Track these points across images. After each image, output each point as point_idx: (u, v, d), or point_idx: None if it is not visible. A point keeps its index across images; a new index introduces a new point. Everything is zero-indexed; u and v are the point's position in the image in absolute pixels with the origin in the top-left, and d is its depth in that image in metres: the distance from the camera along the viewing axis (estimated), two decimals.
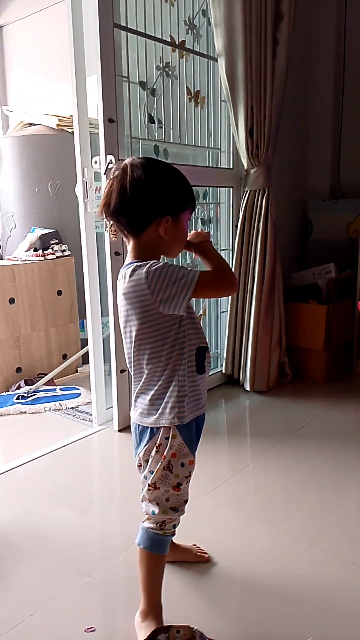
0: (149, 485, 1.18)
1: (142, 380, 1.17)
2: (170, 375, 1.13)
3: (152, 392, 1.15)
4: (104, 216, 1.14)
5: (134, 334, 1.13)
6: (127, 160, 1.13)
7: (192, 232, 1.24)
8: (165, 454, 1.15)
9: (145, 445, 1.18)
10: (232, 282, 1.15)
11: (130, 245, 1.15)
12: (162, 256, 1.18)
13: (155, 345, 1.13)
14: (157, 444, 1.15)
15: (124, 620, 1.26)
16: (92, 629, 1.23)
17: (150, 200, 1.09)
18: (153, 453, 1.16)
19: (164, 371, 1.14)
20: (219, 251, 1.24)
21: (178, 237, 1.16)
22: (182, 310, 1.07)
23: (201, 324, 2.81)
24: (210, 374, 2.81)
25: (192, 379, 1.16)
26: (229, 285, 1.15)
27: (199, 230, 1.28)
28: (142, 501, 1.21)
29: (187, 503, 1.22)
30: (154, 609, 1.21)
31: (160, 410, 1.14)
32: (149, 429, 1.17)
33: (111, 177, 1.12)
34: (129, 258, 1.15)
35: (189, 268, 1.09)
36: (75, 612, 1.29)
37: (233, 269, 2.67)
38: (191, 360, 1.15)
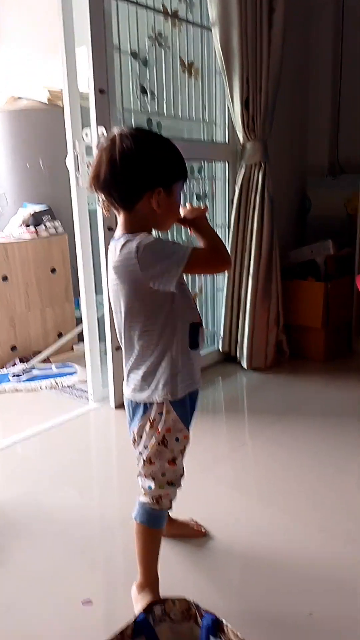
0: (144, 460, 1.16)
1: (134, 355, 1.14)
2: (163, 351, 1.11)
3: (144, 368, 1.13)
4: (94, 189, 1.10)
5: (124, 309, 1.11)
6: (116, 130, 1.08)
7: (188, 206, 1.20)
8: (159, 429, 1.14)
9: (139, 421, 1.16)
10: (225, 260, 1.13)
11: (120, 218, 1.12)
12: (153, 230, 1.15)
13: (146, 321, 1.10)
14: (151, 420, 1.14)
15: (121, 593, 1.26)
16: (89, 602, 1.23)
17: (141, 171, 1.06)
18: (147, 428, 1.15)
19: (156, 347, 1.11)
20: (214, 227, 1.20)
21: (171, 209, 1.12)
22: (173, 287, 1.04)
23: (197, 302, 2.79)
24: (207, 351, 2.79)
25: (186, 355, 1.14)
26: (221, 263, 1.13)
27: (195, 205, 1.24)
28: (138, 476, 1.20)
29: (183, 477, 1.21)
30: (150, 582, 1.21)
31: (152, 386, 1.13)
32: (142, 405, 1.15)
33: (100, 148, 1.08)
34: (119, 231, 1.12)
35: (180, 244, 1.06)
36: (74, 586, 1.29)
37: (229, 246, 2.65)
38: (184, 336, 1.13)
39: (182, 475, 1.20)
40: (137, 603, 1.19)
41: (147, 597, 1.17)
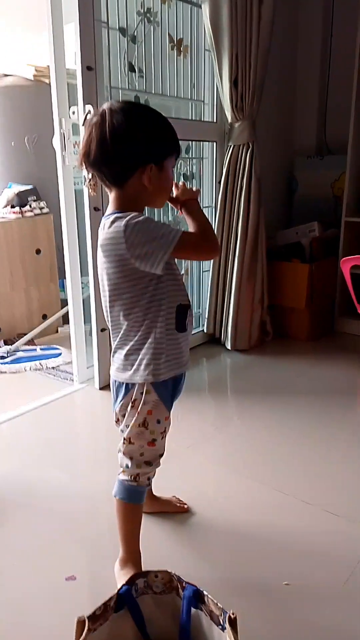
0: (124, 439, 1.18)
1: (120, 334, 1.14)
2: (147, 331, 1.11)
3: (127, 348, 1.13)
4: (84, 167, 1.08)
5: (109, 287, 1.11)
6: (106, 105, 1.06)
7: (181, 185, 1.18)
8: (139, 409, 1.14)
9: (122, 400, 1.17)
10: (214, 247, 1.12)
11: (112, 195, 1.10)
12: (146, 207, 1.14)
13: (131, 300, 1.10)
14: (132, 399, 1.15)
15: (105, 569, 1.28)
16: (73, 578, 1.25)
17: (132, 148, 1.04)
18: (129, 408, 1.16)
19: (140, 327, 1.11)
20: (202, 208, 1.19)
21: (163, 185, 1.11)
22: (158, 270, 1.03)
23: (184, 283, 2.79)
24: (192, 333, 2.80)
25: (172, 337, 1.13)
26: (210, 250, 1.13)
27: (188, 186, 1.21)
28: (118, 452, 1.21)
29: (162, 457, 1.22)
30: (132, 556, 1.23)
31: (135, 366, 1.13)
32: (124, 384, 1.16)
33: (90, 124, 1.06)
34: (110, 208, 1.11)
35: (170, 226, 1.04)
36: (58, 563, 1.31)
37: (215, 226, 2.64)
38: (170, 318, 1.12)
39: (161, 455, 1.21)
40: (120, 578, 1.21)
41: (129, 571, 1.19)
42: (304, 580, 1.25)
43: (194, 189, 1.20)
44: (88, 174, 1.11)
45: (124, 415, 1.17)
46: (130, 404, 1.15)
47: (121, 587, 0.96)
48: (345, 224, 2.89)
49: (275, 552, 1.35)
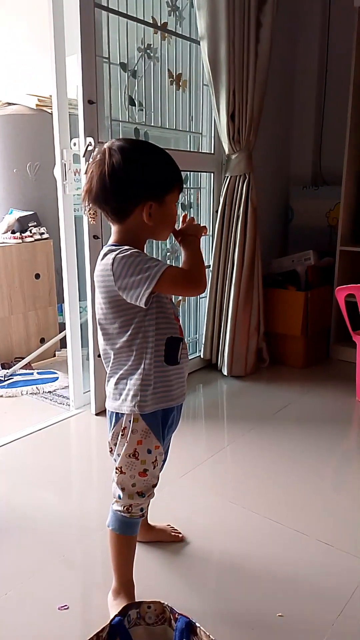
0: (115, 468, 1.18)
1: (110, 364, 1.16)
2: (136, 362, 1.12)
3: (116, 376, 1.15)
4: (87, 203, 1.11)
5: (100, 317, 1.13)
6: (107, 144, 1.09)
7: (189, 220, 1.19)
8: (128, 439, 1.14)
9: (113, 428, 1.18)
10: (198, 284, 1.10)
11: (114, 228, 1.13)
12: (150, 239, 1.16)
13: (120, 331, 1.11)
14: (122, 427, 1.15)
15: (98, 598, 1.28)
16: (66, 607, 1.25)
17: (130, 187, 1.06)
18: (119, 437, 1.16)
19: (129, 357, 1.12)
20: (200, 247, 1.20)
21: (165, 220, 1.13)
22: (142, 303, 1.04)
23: (179, 310, 2.83)
24: (189, 359, 2.82)
25: (161, 369, 1.13)
26: (194, 286, 1.11)
27: (196, 222, 1.20)
28: (112, 482, 1.22)
29: (156, 487, 1.22)
30: (125, 587, 1.23)
31: (123, 396, 1.14)
32: (114, 413, 1.17)
33: (92, 162, 1.09)
34: (110, 239, 1.14)
35: (157, 261, 1.06)
36: (50, 591, 1.31)
37: (212, 254, 2.69)
38: (159, 350, 1.12)
39: (154, 485, 1.21)
40: (113, 608, 1.20)
41: (122, 602, 1.19)
42: (297, 611, 1.25)
43: (201, 224, 1.20)
44: (83, 206, 1.14)
45: (115, 444, 1.18)
46: (120, 433, 1.16)
47: (113, 618, 0.96)
48: (340, 252, 2.94)
49: (269, 583, 1.35)
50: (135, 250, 1.08)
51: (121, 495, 1.19)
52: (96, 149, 1.12)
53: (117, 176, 1.05)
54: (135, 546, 1.26)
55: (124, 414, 1.15)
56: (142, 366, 1.11)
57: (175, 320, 1.17)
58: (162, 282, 1.03)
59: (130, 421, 1.14)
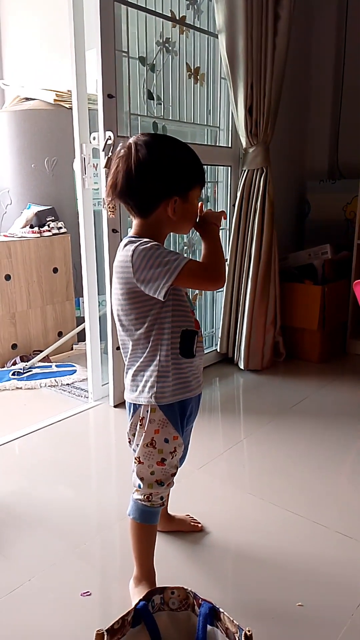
0: (135, 458, 1.20)
1: (128, 355, 1.18)
2: (152, 354, 1.13)
3: (134, 369, 1.16)
4: (111, 197, 1.12)
5: (118, 308, 1.14)
6: (132, 139, 1.10)
7: (207, 211, 1.19)
8: (146, 428, 1.16)
9: (131, 419, 1.20)
10: (218, 279, 1.11)
11: (135, 222, 1.14)
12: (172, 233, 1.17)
13: (136, 322, 1.12)
14: (140, 418, 1.17)
15: (119, 585, 1.30)
16: (88, 593, 1.27)
17: (156, 182, 1.07)
18: (137, 427, 1.18)
19: (145, 349, 1.13)
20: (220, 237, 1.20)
21: (187, 216, 1.13)
22: (161, 295, 1.05)
23: (195, 304, 2.84)
24: (205, 352, 2.84)
25: (177, 361, 1.14)
26: (214, 281, 1.11)
27: (217, 210, 1.21)
28: (132, 472, 1.23)
29: (175, 476, 1.23)
30: (146, 575, 1.25)
31: (140, 387, 1.15)
32: (132, 404, 1.19)
33: (117, 156, 1.10)
34: (131, 232, 1.15)
35: (177, 255, 1.06)
36: (72, 578, 1.33)
37: (230, 248, 2.70)
38: (175, 342, 1.13)
39: (173, 474, 1.22)
40: (135, 595, 1.22)
41: (144, 589, 1.20)
42: (317, 602, 1.26)
43: (219, 210, 1.21)
44: (106, 199, 1.15)
45: (134, 435, 1.20)
46: (138, 423, 1.18)
47: (138, 602, 0.98)
48: (357, 246, 2.92)
49: (288, 574, 1.36)
50: (156, 243, 1.08)
51: (141, 485, 1.20)
52: (120, 144, 1.12)
53: (143, 171, 1.06)
54: (156, 535, 1.27)
55: (141, 404, 1.16)
56: (158, 358, 1.12)
57: (191, 313, 1.18)
58: (182, 276, 1.04)
59: (147, 411, 1.16)
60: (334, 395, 2.52)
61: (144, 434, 1.17)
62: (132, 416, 1.19)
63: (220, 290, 2.87)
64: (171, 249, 1.11)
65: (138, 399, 1.16)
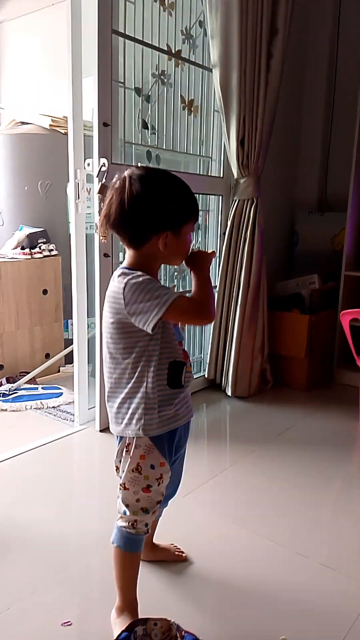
0: (120, 484, 1.19)
1: (112, 383, 1.17)
2: (137, 384, 1.13)
3: (119, 398, 1.16)
4: (104, 227, 1.13)
5: (105, 336, 1.15)
6: (127, 172, 1.11)
7: (195, 251, 1.20)
8: (132, 454, 1.16)
9: (118, 447, 1.20)
10: (206, 315, 1.12)
11: (129, 252, 1.16)
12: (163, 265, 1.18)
13: (123, 352, 1.13)
14: (126, 444, 1.17)
15: (100, 614, 1.27)
16: (69, 623, 1.25)
17: (148, 216, 1.09)
18: (124, 453, 1.18)
19: (130, 379, 1.13)
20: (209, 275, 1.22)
21: (179, 249, 1.14)
22: (149, 328, 1.06)
23: (184, 330, 2.85)
24: (194, 378, 2.84)
25: (164, 392, 1.14)
26: (202, 317, 1.13)
27: (206, 249, 1.22)
28: (117, 498, 1.22)
29: (160, 504, 1.22)
30: (129, 605, 1.22)
31: (126, 419, 1.15)
32: (118, 436, 1.19)
33: (112, 188, 1.12)
34: (125, 262, 1.16)
35: (168, 290, 1.08)
36: (53, 606, 1.31)
37: (219, 276, 2.73)
38: (161, 374, 1.13)
39: (158, 502, 1.21)
40: (116, 625, 1.20)
41: (126, 619, 1.18)
42: (300, 634, 1.25)
43: (210, 251, 1.22)
44: (96, 225, 1.16)
45: (120, 461, 1.19)
46: (124, 449, 1.18)
47: (120, 634, 0.97)
48: (345, 277, 2.98)
49: (272, 605, 1.34)
50: (148, 277, 1.09)
51: (127, 512, 1.19)
52: (116, 175, 1.14)
53: (136, 206, 1.08)
54: (139, 564, 1.26)
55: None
56: (144, 389, 1.13)
57: (179, 345, 1.18)
58: (171, 310, 1.05)
59: (134, 438, 1.16)
60: (320, 423, 2.53)
61: (129, 459, 1.16)
62: (119, 443, 1.20)
63: None
64: (163, 284, 1.12)
65: (125, 432, 1.16)
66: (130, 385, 1.14)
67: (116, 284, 1.11)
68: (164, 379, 1.14)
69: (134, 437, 1.15)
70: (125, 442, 1.17)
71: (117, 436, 1.19)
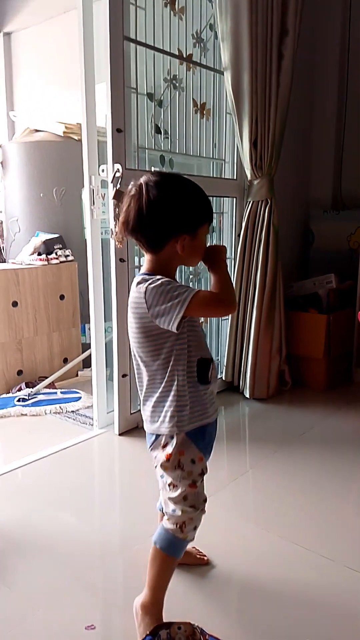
0: (168, 484, 1.20)
1: (145, 387, 1.21)
2: (169, 384, 1.16)
3: (153, 399, 1.19)
4: (123, 234, 1.17)
5: (134, 341, 1.19)
6: (144, 179, 1.15)
7: (215, 247, 1.22)
8: (171, 452, 1.18)
9: (151, 446, 1.22)
10: (228, 306, 1.15)
11: (147, 257, 1.19)
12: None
13: (152, 354, 1.16)
14: (162, 444, 1.19)
15: (124, 618, 1.28)
16: (93, 627, 1.26)
17: (166, 221, 1.12)
18: (163, 454, 1.20)
19: (162, 380, 1.17)
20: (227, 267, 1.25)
21: (196, 251, 1.18)
22: (174, 327, 1.09)
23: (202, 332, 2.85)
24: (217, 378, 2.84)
25: (194, 389, 1.18)
26: (224, 308, 1.16)
27: (218, 244, 1.25)
28: (161, 500, 1.24)
29: (206, 502, 1.23)
30: (156, 606, 1.23)
31: (160, 418, 1.18)
32: (154, 435, 1.21)
33: (129, 195, 1.15)
34: (143, 268, 1.20)
35: (187, 287, 1.11)
36: (76, 611, 1.32)
37: (235, 277, 2.72)
38: (191, 371, 1.17)
39: (204, 500, 1.22)
40: (140, 624, 1.20)
41: (151, 621, 1.19)
42: (324, 637, 1.24)
43: (221, 245, 1.25)
44: (111, 229, 1.19)
45: (160, 463, 1.21)
46: (162, 449, 1.20)
47: (144, 637, 0.97)
48: None
49: (296, 608, 1.34)
50: (166, 279, 1.13)
51: (175, 510, 1.19)
52: (132, 182, 1.17)
53: (153, 211, 1.11)
54: (175, 569, 1.25)
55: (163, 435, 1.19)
56: (176, 388, 1.16)
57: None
58: (192, 305, 1.08)
59: (171, 437, 1.18)
60: (340, 424, 2.51)
61: (169, 458, 1.18)
62: (152, 443, 1.22)
63: (225, 318, 2.89)
64: (181, 283, 1.15)
65: (159, 430, 1.19)
66: (162, 385, 1.17)
67: (137, 290, 1.14)
68: (194, 376, 1.18)
69: (171, 437, 1.18)
70: (161, 441, 1.19)
71: (152, 434, 1.22)
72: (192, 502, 1.20)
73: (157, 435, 1.20)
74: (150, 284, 1.12)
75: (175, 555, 1.23)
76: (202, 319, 2.83)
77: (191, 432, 1.19)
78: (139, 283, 1.15)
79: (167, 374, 1.16)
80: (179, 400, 1.16)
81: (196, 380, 1.18)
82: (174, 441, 1.18)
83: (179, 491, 1.19)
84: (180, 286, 1.11)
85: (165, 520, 1.22)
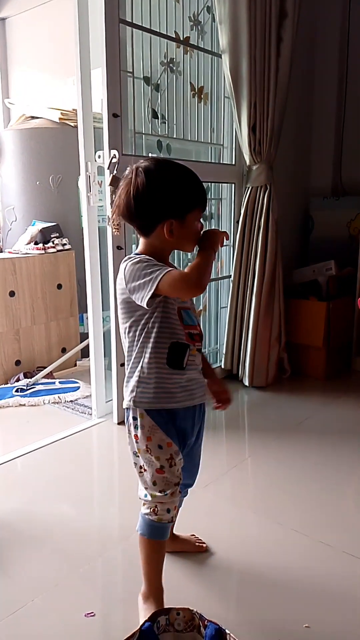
0: (140, 467, 1.23)
1: (126, 359, 1.25)
2: (137, 360, 1.20)
3: (127, 374, 1.23)
4: (116, 218, 1.20)
5: (118, 315, 1.23)
6: (137, 164, 1.17)
7: (210, 230, 1.21)
8: (138, 434, 1.20)
9: (126, 425, 1.25)
10: (191, 287, 1.12)
11: (140, 240, 1.22)
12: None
13: (128, 329, 1.20)
14: (129, 423, 1.22)
15: (122, 606, 1.28)
16: (92, 614, 1.25)
17: (152, 206, 1.14)
18: (132, 434, 1.22)
19: (132, 355, 1.21)
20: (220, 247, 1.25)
21: (186, 237, 1.18)
22: (144, 303, 1.12)
23: (200, 319, 2.84)
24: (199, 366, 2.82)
25: (162, 371, 1.18)
26: (187, 289, 1.13)
27: (219, 229, 1.26)
28: (138, 486, 1.25)
29: (178, 486, 1.22)
30: (154, 592, 1.24)
31: (127, 391, 1.22)
32: (125, 409, 1.24)
33: (124, 180, 1.17)
34: (136, 250, 1.23)
35: (162, 266, 1.12)
36: (75, 598, 1.31)
37: (233, 264, 2.70)
38: (161, 353, 1.17)
39: (176, 484, 1.22)
40: (142, 612, 1.22)
41: (151, 607, 1.20)
42: (324, 623, 1.24)
43: (222, 230, 1.24)
44: (109, 216, 1.20)
45: (130, 443, 1.23)
46: (127, 429, 1.23)
47: (143, 624, 0.96)
48: None
49: (294, 594, 1.33)
50: (146, 257, 1.15)
51: (147, 495, 1.22)
52: (128, 166, 1.18)
53: (140, 197, 1.13)
54: (165, 552, 1.26)
55: (128, 409, 1.22)
56: (141, 364, 1.19)
57: (192, 328, 1.21)
58: (162, 284, 1.10)
59: (136, 418, 1.20)
60: (339, 412, 2.50)
61: (138, 441, 1.20)
62: (126, 421, 1.24)
63: (224, 306, 2.87)
64: (160, 264, 1.14)
65: (124, 403, 1.22)
66: (132, 359, 1.20)
67: (121, 268, 1.18)
68: (163, 359, 1.18)
69: (136, 418, 1.19)
70: (128, 421, 1.21)
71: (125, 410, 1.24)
72: (162, 486, 1.21)
73: (126, 413, 1.23)
74: (130, 261, 1.16)
75: (157, 538, 1.24)
76: (200, 307, 2.81)
77: (158, 414, 1.19)
78: (124, 261, 1.19)
79: (136, 349, 1.19)
80: (141, 377, 1.18)
81: (164, 363, 1.17)
82: (139, 422, 1.19)
83: (149, 476, 1.21)
84: (155, 264, 1.13)
85: (141, 505, 1.24)
